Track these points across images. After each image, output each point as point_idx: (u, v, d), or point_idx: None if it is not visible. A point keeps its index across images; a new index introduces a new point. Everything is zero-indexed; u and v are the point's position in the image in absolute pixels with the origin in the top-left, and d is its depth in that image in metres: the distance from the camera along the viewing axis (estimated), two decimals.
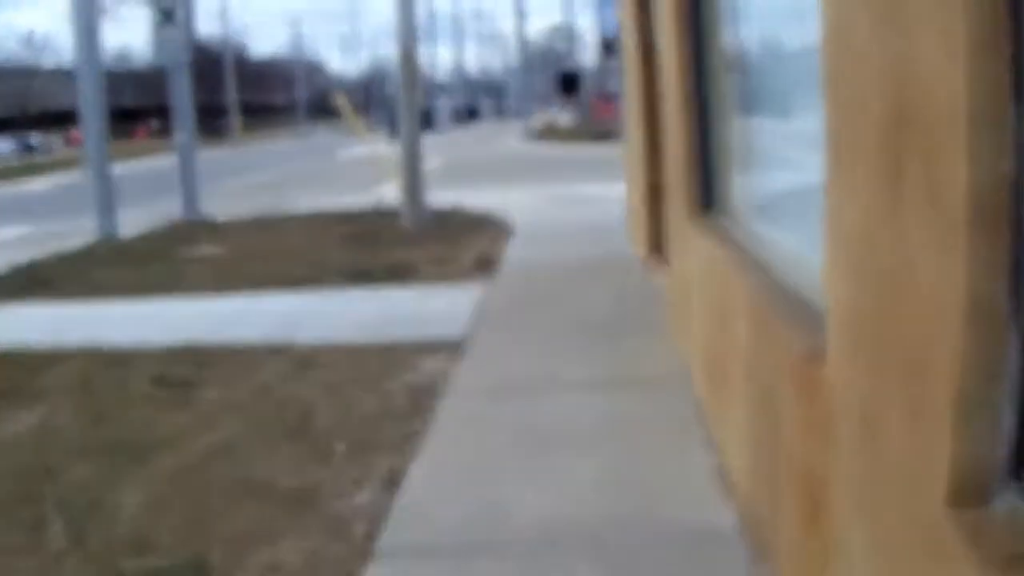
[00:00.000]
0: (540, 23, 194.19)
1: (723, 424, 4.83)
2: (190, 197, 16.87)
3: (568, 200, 17.26)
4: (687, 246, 6.35)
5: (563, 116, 70.88)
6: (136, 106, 73.36)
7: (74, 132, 56.74)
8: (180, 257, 13.20)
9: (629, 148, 11.86)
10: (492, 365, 7.03)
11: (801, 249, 3.80)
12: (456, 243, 12.60)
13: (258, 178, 30.18)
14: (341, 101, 15.22)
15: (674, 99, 6.57)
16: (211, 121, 71.09)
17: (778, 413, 3.45)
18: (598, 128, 42.19)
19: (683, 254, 6.62)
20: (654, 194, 9.47)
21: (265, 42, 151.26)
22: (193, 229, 15.93)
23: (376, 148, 40.51)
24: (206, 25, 70.62)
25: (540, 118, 67.27)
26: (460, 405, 6.19)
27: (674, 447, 5.21)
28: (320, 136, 69.20)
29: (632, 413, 5.83)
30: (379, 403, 6.37)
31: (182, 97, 16.68)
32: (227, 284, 10.79)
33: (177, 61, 16.67)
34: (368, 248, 12.59)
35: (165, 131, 66.00)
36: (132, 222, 18.21)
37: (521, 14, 50.62)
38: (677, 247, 7.02)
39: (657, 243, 9.46)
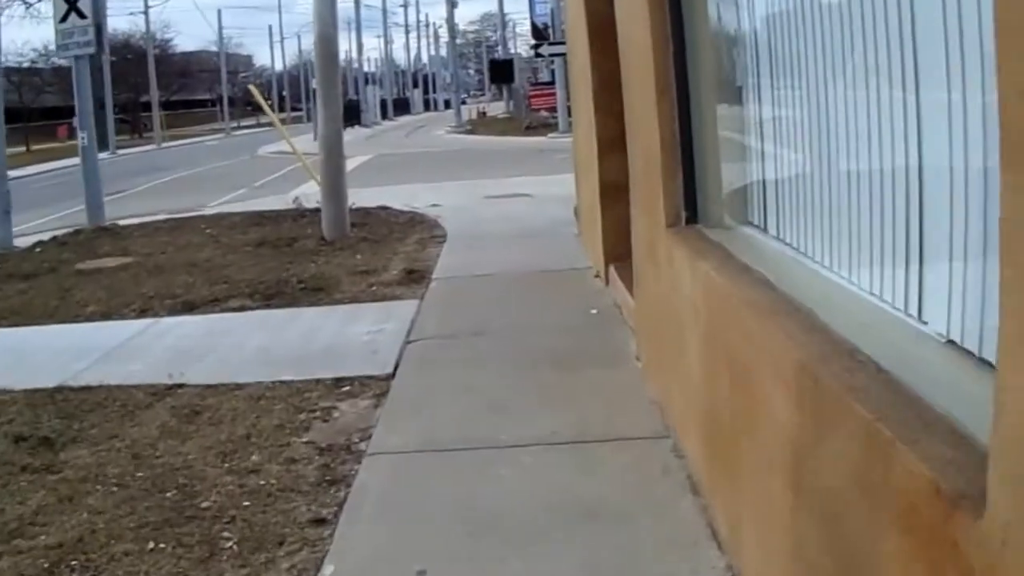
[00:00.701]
0: (470, 12, 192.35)
1: (745, 539, 3.55)
2: (94, 202, 15.31)
3: (504, 197, 15.95)
4: (665, 263, 5.10)
5: (495, 106, 69.87)
6: (62, 104, 70.83)
7: None
8: (74, 270, 11.70)
9: (577, 140, 10.59)
10: (423, 416, 5.69)
11: (861, 282, 2.74)
12: (382, 250, 11.25)
13: (176, 176, 28.54)
14: (255, 93, 13.77)
15: (643, 80, 5.31)
16: (134, 118, 69.04)
17: (870, 560, 2.19)
18: (533, 118, 40.98)
19: (658, 272, 5.36)
20: (612, 194, 8.22)
21: (191, 37, 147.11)
22: (96, 237, 14.38)
23: (299, 144, 39.18)
24: (126, 20, 68.41)
25: (472, 108, 66.11)
26: (383, 477, 4.87)
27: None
28: (245, 132, 67.27)
29: (599, 500, 4.44)
30: (282, 472, 5.03)
31: (84, 95, 15.12)
32: (119, 304, 9.37)
33: (82, 55, 15.07)
34: (283, 257, 11.21)
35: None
36: (35, 228, 16.78)
37: (451, 2, 49.01)
38: (648, 263, 5.75)
39: (615, 253, 8.21)
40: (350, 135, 50.92)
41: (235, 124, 73.80)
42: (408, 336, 7.44)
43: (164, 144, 55.02)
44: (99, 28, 14.93)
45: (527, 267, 9.72)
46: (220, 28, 79.73)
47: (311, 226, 12.92)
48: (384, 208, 14.71)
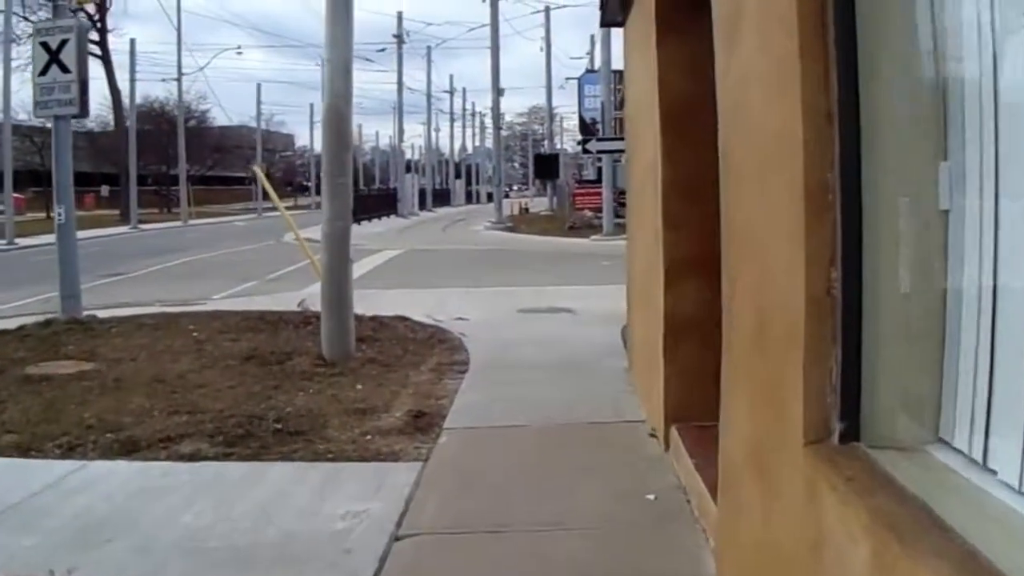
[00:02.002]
0: (518, 103, 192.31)
1: None
2: (69, 291, 13.35)
3: (542, 311, 13.95)
4: (794, 498, 3.10)
5: (539, 201, 68.41)
6: (91, 171, 69.86)
7: None
8: (21, 375, 9.74)
9: (633, 255, 8.58)
10: None
11: None
12: (390, 379, 9.22)
13: (189, 259, 26.75)
14: (259, 175, 11.89)
15: (775, 187, 3.34)
16: (165, 192, 67.69)
17: None
18: (577, 218, 39.17)
19: (778, 508, 3.34)
20: (681, 334, 6.23)
21: (232, 111, 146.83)
22: (66, 331, 12.44)
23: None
24: (163, 88, 67.21)
25: (515, 202, 64.61)
26: None
27: None
28: (279, 214, 64.79)
29: None
30: None
31: (63, 163, 13.22)
32: (46, 434, 7.38)
33: (63, 115, 13.27)
34: (269, 380, 9.21)
35: (115, 198, 62.65)
36: (14, 309, 15.04)
37: (498, 92, 47.56)
38: (755, 483, 3.70)
39: (681, 410, 6.21)
40: (384, 225, 49.87)
41: (269, 205, 72.43)
42: (399, 526, 5.37)
43: (191, 221, 53.50)
44: (84, 85, 13.07)
45: (565, 416, 7.64)
46: (258, 102, 78.84)
47: (313, 338, 10.90)
48: (403, 319, 12.70)
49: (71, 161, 13.49)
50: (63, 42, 13.03)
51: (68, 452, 7.03)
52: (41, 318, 13.22)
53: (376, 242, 33.01)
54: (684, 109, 6.01)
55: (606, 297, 14.61)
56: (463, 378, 9.14)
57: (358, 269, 23.03)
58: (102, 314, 13.88)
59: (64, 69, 13.01)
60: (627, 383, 8.64)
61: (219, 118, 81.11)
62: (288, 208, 71.78)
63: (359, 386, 8.87)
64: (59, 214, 13.36)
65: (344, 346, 10.05)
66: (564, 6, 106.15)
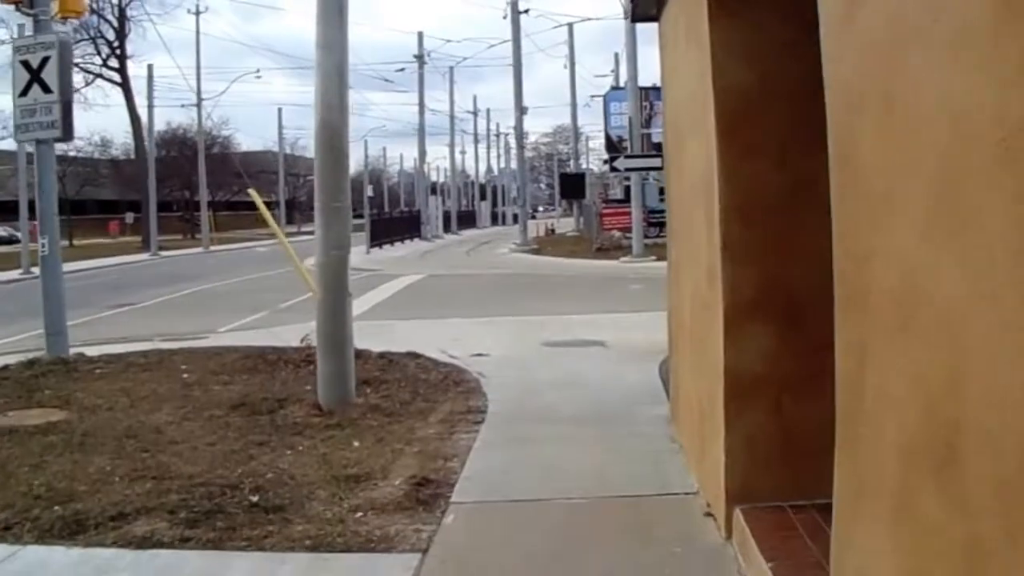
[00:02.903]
0: (543, 124, 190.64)
1: None
2: (55, 328, 12.23)
3: (570, 344, 12.67)
4: None
5: (565, 221, 67.21)
6: (119, 199, 69.29)
7: None
8: None
9: (677, 290, 7.31)
10: None
11: None
12: (393, 432, 7.97)
13: (200, 288, 25.61)
14: (256, 198, 10.73)
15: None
16: (190, 217, 66.89)
17: None
18: (605, 239, 37.90)
19: None
20: (748, 392, 4.97)
21: (257, 137, 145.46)
22: (47, 372, 11.29)
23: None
24: (185, 114, 66.51)
25: (541, 223, 63.41)
26: None
27: None
28: (303, 239, 63.97)
29: None
30: None
31: (46, 191, 12.06)
32: None
33: (45, 140, 12.13)
34: (256, 434, 8.00)
35: (139, 225, 61.96)
36: (7, 346, 13.94)
37: (521, 110, 46.29)
38: None
39: (749, 486, 4.95)
40: (406, 249, 48.59)
41: (295, 229, 71.45)
42: None
43: (213, 247, 52.44)
44: (67, 107, 11.92)
45: (598, 487, 6.33)
46: (280, 126, 78.18)
47: (313, 379, 9.66)
48: (415, 356, 11.46)
49: (55, 188, 12.44)
50: (44, 60, 11.93)
51: (2, 533, 5.85)
52: (28, 356, 12.12)
53: (396, 267, 31.84)
54: (748, 111, 4.76)
55: (639, 327, 13.37)
56: (478, 432, 7.86)
57: (372, 297, 21.99)
58: (93, 351, 12.76)
59: (46, 89, 11.90)
60: (670, 439, 7.35)
61: (244, 143, 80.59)
62: (312, 232, 71.43)
63: (356, 443, 7.63)
64: (42, 245, 12.25)
65: (343, 392, 8.82)
66: (587, 19, 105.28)
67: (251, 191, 11.35)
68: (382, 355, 11.53)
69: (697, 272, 5.82)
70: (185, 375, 10.91)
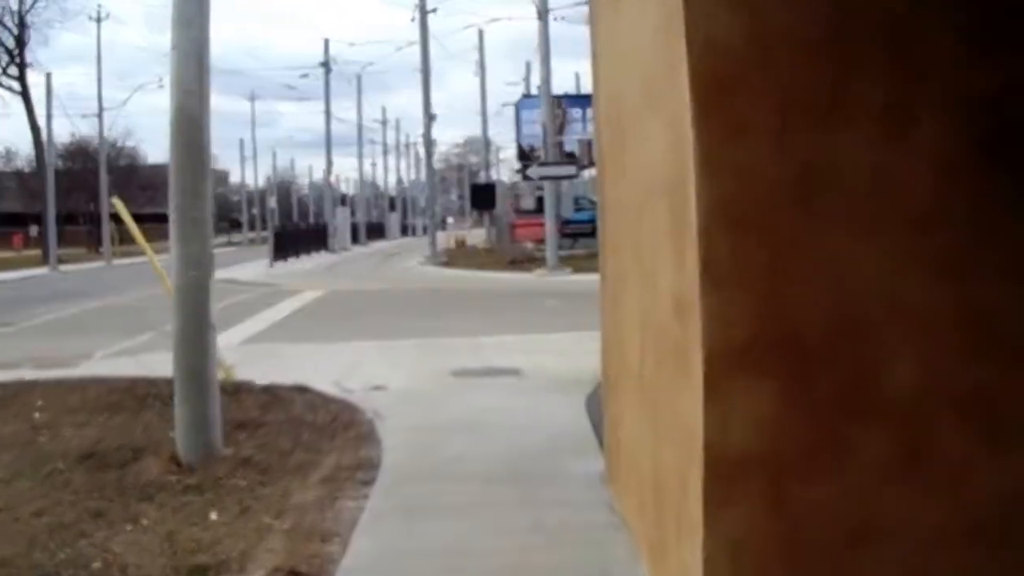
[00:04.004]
0: (455, 135, 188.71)
1: None
2: None
3: (481, 374, 11.15)
4: None
5: (477, 233, 65.82)
6: (25, 211, 66.90)
7: None
8: None
9: (619, 317, 5.83)
10: None
11: None
12: (262, 496, 6.39)
13: (88, 307, 23.59)
14: (119, 207, 9.17)
15: None
16: (93, 231, 64.30)
17: None
18: (518, 251, 36.57)
19: None
20: (736, 480, 3.50)
21: (164, 148, 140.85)
22: None
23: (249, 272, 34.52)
24: (89, 124, 63.72)
25: (451, 235, 62.01)
26: None
27: None
28: (218, 250, 61.17)
29: None
30: None
31: None
32: None
33: None
34: (95, 500, 6.41)
35: (43, 238, 59.58)
36: None
37: (429, 116, 44.70)
38: None
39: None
40: (312, 262, 46.64)
41: (222, 240, 69.11)
42: None
43: (116, 261, 49.96)
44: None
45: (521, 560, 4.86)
46: None
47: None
48: (302, 391, 9.89)
49: None
50: None
51: None
52: None
53: (298, 281, 30.01)
54: (736, 74, 3.31)
55: (559, 351, 11.96)
56: (366, 501, 6.27)
57: (268, 316, 20.18)
58: None
59: None
60: (608, 507, 5.87)
61: (155, 156, 77.67)
62: (222, 245, 68.34)
63: (213, 514, 6.04)
64: None
65: (206, 443, 7.19)
66: (497, 19, 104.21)
67: (115, 200, 9.81)
68: (266, 389, 9.99)
69: (654, 299, 4.31)
70: (37, 414, 9.26)
